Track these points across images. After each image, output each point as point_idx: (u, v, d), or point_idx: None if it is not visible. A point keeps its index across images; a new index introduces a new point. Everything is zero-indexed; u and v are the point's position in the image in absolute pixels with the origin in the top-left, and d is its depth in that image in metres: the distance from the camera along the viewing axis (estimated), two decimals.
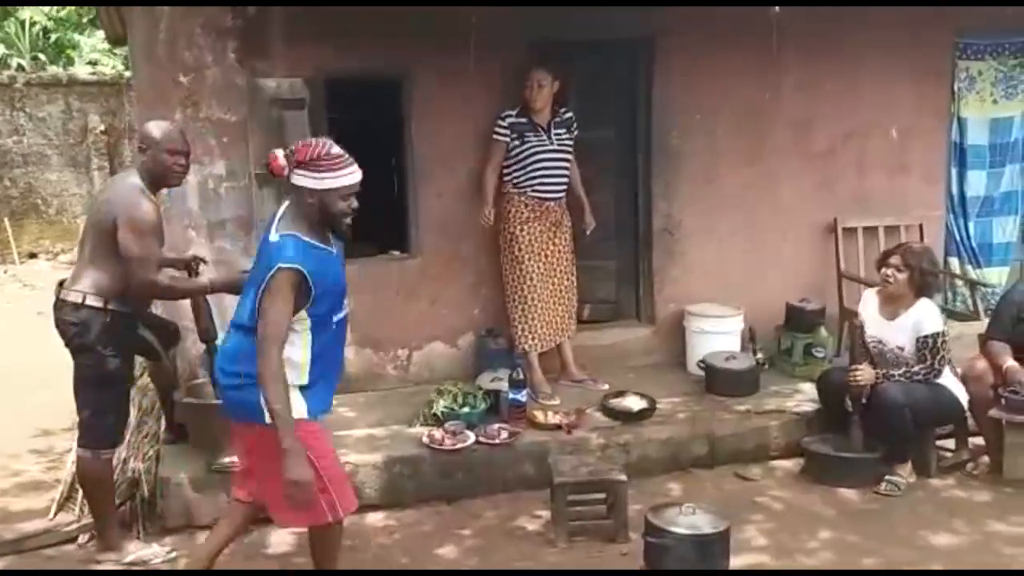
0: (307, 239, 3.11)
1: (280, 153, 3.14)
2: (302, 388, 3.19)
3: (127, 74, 12.86)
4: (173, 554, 4.07)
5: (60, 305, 3.87)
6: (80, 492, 4.44)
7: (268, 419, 3.07)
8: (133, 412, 4.75)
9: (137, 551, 4.02)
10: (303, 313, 3.13)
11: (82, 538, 4.22)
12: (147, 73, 5.07)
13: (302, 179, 3.10)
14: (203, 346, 4.62)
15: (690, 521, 3.36)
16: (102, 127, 12.53)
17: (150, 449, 4.84)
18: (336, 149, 3.14)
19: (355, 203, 3.19)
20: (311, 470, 3.08)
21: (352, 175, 3.15)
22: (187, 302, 4.47)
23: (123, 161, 12.44)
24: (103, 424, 3.89)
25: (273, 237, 3.12)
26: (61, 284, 3.95)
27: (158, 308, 4.97)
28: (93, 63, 14.44)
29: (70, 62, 15.27)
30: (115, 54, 13.97)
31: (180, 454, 4.53)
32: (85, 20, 15.15)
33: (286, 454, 3.01)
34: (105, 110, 12.56)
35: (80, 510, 4.39)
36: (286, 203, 3.21)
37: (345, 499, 3.32)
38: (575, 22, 5.30)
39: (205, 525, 4.27)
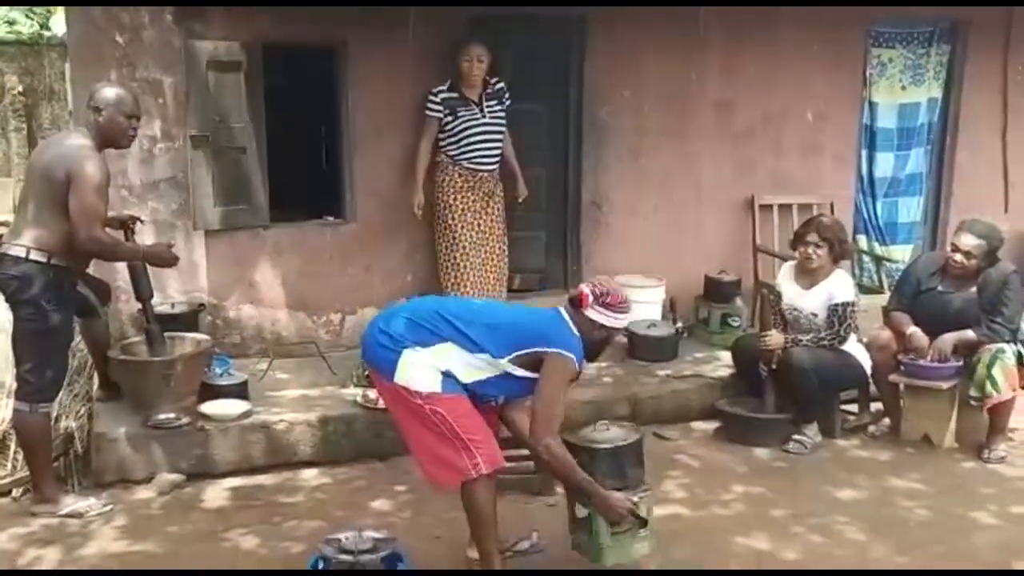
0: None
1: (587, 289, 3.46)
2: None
3: (47, 34, 12.47)
4: (109, 507, 4.11)
5: None
6: (12, 446, 4.46)
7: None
8: None
9: (73, 504, 4.06)
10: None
11: (16, 491, 4.24)
12: (82, 31, 5.04)
13: (597, 315, 3.45)
14: (137, 305, 4.68)
15: (605, 436, 3.60)
16: (20, 88, 12.15)
17: (81, 408, 4.87)
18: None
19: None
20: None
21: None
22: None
23: (41, 123, 12.08)
24: (42, 378, 3.92)
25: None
26: None
27: (91, 267, 4.97)
28: (11, 22, 13.93)
29: None
30: (35, 14, 13.52)
31: (114, 411, 4.58)
32: None
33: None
34: (23, 71, 12.15)
35: (12, 464, 4.41)
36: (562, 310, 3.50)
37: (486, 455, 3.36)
38: None
39: (139, 479, 4.36)
